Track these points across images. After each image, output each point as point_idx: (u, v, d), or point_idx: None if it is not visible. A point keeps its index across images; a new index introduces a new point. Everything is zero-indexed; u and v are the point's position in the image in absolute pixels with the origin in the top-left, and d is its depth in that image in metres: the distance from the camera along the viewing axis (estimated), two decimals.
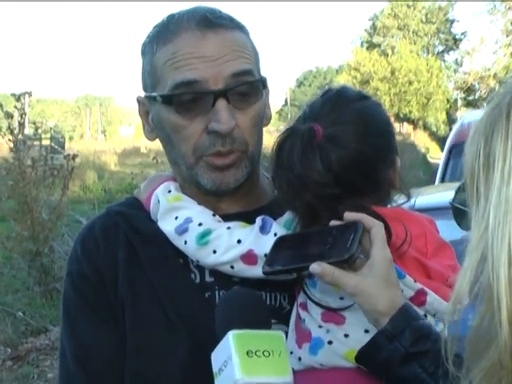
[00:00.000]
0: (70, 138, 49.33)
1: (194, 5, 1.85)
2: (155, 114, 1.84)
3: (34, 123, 12.91)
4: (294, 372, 1.59)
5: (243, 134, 1.78)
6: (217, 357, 1.49)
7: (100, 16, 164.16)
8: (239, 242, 1.72)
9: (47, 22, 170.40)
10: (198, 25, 1.77)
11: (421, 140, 46.34)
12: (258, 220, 1.77)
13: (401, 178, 1.75)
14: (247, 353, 1.45)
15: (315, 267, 1.50)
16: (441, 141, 39.86)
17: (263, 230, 1.74)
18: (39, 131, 13.42)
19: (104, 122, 74.22)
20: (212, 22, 1.79)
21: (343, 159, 1.63)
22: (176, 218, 1.80)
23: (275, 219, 1.78)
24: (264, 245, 1.69)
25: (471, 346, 1.10)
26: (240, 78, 1.76)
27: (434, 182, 8.10)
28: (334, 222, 1.60)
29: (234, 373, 1.42)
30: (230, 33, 1.80)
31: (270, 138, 2.17)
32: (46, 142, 20.77)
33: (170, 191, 1.86)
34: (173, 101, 1.77)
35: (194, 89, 1.74)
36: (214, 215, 1.82)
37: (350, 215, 1.57)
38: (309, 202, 1.64)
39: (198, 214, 1.80)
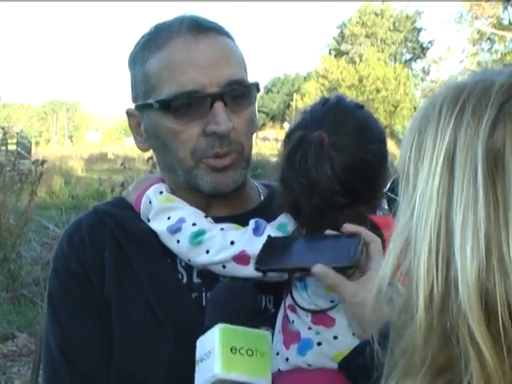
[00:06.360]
0: (37, 143, 48.91)
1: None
2: (149, 123, 1.85)
3: (3, 128, 12.82)
4: (281, 372, 1.61)
5: (239, 137, 1.80)
6: (202, 344, 1.51)
7: (67, 21, 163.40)
8: (232, 243, 1.74)
9: (14, 26, 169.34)
10: (189, 29, 1.79)
11: (388, 148, 46.58)
12: (252, 222, 1.78)
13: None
14: (231, 349, 1.47)
15: (319, 267, 1.51)
16: None
17: (257, 231, 1.76)
18: (6, 136, 13.33)
19: (71, 128, 73.64)
20: (202, 25, 1.81)
21: (348, 166, 1.65)
22: (169, 218, 1.82)
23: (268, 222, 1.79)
24: (257, 246, 1.70)
25: (394, 326, 1.13)
26: (235, 83, 1.78)
27: None
28: (329, 232, 1.62)
29: (214, 366, 1.45)
30: (221, 37, 1.83)
31: None
32: (11, 147, 20.59)
33: (161, 192, 1.88)
34: (171, 106, 1.77)
35: (192, 95, 1.76)
36: (206, 217, 1.84)
37: (349, 227, 1.59)
38: (319, 207, 1.66)
39: (191, 215, 1.82)
